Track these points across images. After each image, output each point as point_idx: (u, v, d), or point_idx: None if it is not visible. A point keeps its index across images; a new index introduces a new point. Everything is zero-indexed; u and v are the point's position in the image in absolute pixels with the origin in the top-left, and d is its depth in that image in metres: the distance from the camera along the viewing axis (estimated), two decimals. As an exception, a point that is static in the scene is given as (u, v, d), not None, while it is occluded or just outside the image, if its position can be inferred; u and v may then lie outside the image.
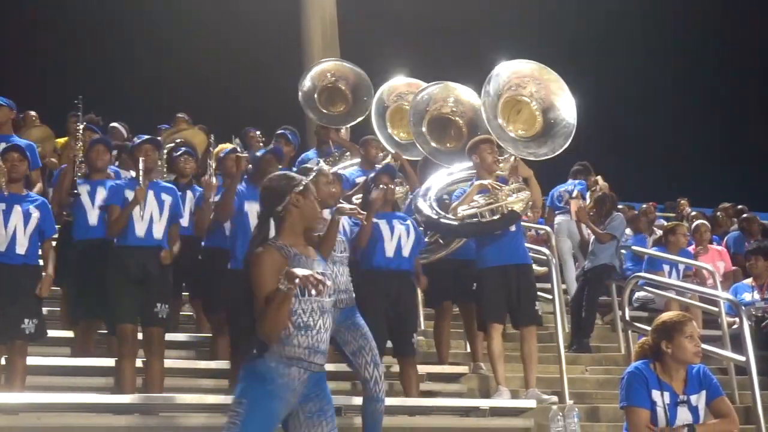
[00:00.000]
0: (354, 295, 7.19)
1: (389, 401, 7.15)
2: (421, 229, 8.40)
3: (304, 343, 4.81)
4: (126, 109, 15.92)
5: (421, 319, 10.01)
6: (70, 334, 8.51)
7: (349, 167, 10.31)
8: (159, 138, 8.89)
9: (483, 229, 8.08)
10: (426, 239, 8.59)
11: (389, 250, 7.93)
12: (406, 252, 7.97)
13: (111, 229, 7.73)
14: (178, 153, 8.99)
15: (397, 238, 7.94)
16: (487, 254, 8.20)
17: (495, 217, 8.02)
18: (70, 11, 19.09)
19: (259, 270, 4.77)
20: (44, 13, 19.27)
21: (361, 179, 9.37)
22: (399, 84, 10.31)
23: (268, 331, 4.71)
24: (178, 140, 10.27)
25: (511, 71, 8.40)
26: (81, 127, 8.95)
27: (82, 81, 17.99)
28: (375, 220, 7.84)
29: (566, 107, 8.32)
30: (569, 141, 8.34)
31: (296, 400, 4.82)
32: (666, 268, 11.28)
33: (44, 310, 7.93)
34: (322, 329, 4.88)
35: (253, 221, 7.12)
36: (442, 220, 8.18)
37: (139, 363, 7.58)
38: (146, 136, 8.15)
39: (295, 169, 10.21)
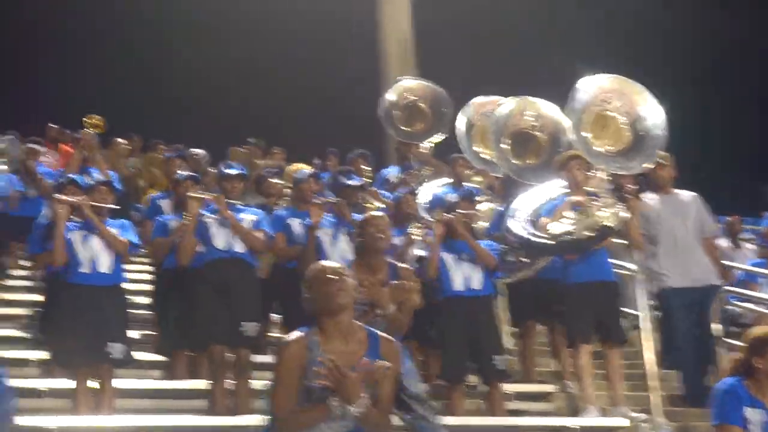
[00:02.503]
0: None
1: (477, 421, 7.11)
2: (505, 247, 8.37)
3: None
4: (204, 133, 16.10)
5: (507, 337, 9.93)
6: (160, 357, 8.61)
7: (440, 186, 10.29)
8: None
9: (577, 247, 7.97)
10: (510, 258, 8.53)
11: (458, 279, 7.97)
12: (476, 278, 8.00)
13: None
14: (266, 175, 9.06)
15: (467, 265, 7.98)
16: (573, 271, 8.11)
17: (588, 234, 7.88)
18: (137, 37, 19.36)
19: None
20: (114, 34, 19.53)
21: (450, 197, 9.33)
22: (484, 101, 10.25)
23: None
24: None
25: (595, 86, 8.27)
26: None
27: (158, 105, 18.29)
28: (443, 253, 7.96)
29: (654, 119, 8.14)
30: (659, 153, 8.20)
31: None
32: (763, 281, 10.91)
33: (136, 333, 8.03)
34: None
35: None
36: (535, 239, 8.10)
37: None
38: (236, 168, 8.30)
39: (376, 186, 10.34)
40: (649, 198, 8.84)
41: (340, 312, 4.46)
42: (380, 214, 6.71)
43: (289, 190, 9.30)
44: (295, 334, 4.48)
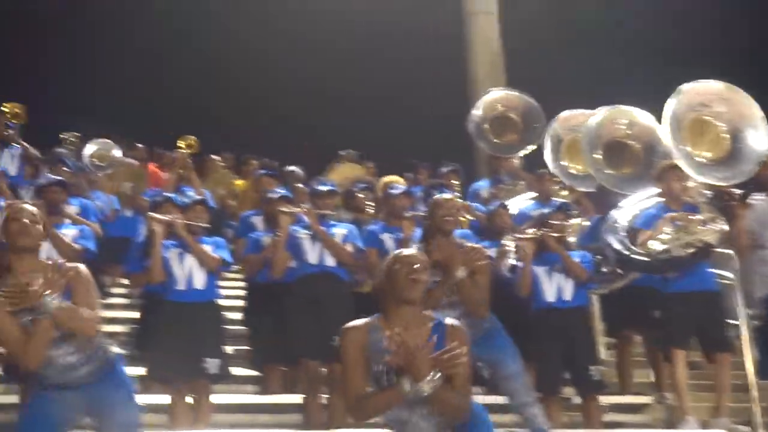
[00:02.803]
0: None
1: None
2: (598, 258, 8.26)
3: None
4: (297, 149, 16.20)
5: (602, 348, 9.78)
6: (255, 372, 8.68)
7: (525, 201, 10.20)
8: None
9: (676, 265, 7.78)
10: (604, 269, 8.41)
11: (550, 291, 7.91)
12: (568, 290, 7.91)
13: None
14: (356, 189, 9.08)
15: (559, 277, 7.92)
16: (673, 280, 7.94)
17: (688, 251, 7.69)
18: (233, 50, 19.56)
19: None
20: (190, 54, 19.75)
21: (535, 212, 9.25)
22: (571, 115, 10.13)
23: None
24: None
25: (696, 90, 8.06)
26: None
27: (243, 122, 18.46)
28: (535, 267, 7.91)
29: (758, 130, 7.89)
30: (758, 166, 7.95)
31: None
32: None
33: (230, 349, 8.10)
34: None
35: None
36: (634, 256, 7.94)
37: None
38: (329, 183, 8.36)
39: (468, 199, 10.29)
40: (757, 199, 8.61)
41: (410, 303, 4.50)
42: (449, 196, 6.68)
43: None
44: (357, 321, 4.54)
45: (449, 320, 4.61)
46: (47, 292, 4.57)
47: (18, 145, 10.92)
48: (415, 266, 4.53)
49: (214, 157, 13.67)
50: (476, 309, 6.43)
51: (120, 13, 19.32)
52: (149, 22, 19.50)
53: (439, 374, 4.22)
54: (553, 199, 9.69)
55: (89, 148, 11.30)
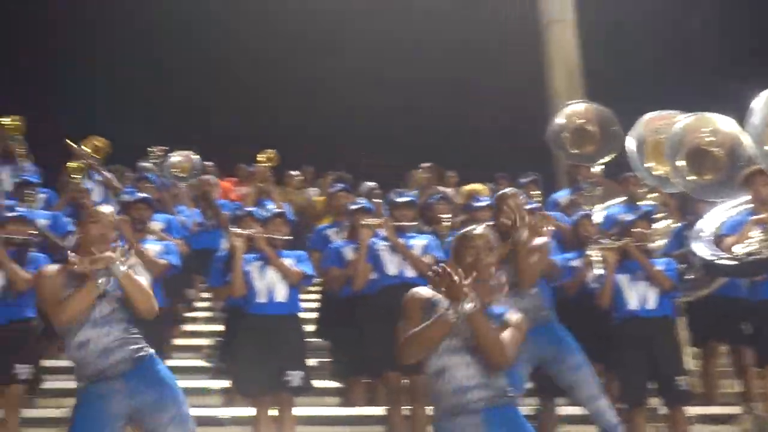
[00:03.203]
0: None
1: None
2: (683, 266, 8.14)
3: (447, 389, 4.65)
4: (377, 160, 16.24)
5: (688, 358, 9.62)
6: (337, 384, 8.70)
7: (612, 205, 10.11)
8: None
9: (763, 268, 7.61)
10: (689, 277, 8.28)
11: (633, 300, 7.80)
12: (652, 298, 7.80)
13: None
14: (432, 200, 9.07)
15: (643, 285, 7.81)
16: (762, 288, 7.78)
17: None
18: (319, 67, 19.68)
19: None
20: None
21: (622, 217, 9.15)
22: (655, 116, 9.99)
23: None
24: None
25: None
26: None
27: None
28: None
29: None
30: None
31: None
32: None
33: (312, 361, 8.13)
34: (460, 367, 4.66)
35: None
36: (719, 260, 7.80)
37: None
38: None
39: (548, 209, 10.21)
40: None
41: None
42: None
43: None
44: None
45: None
46: (120, 258, 5.03)
47: (101, 174, 11.12)
48: (482, 247, 4.70)
49: (292, 172, 13.77)
50: (525, 279, 6.45)
51: (196, 32, 19.58)
52: (225, 40, 19.73)
53: (477, 297, 4.42)
54: (640, 202, 9.58)
55: (172, 160, 11.44)
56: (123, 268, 5.03)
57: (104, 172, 11.10)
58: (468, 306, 4.40)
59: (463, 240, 4.80)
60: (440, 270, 4.44)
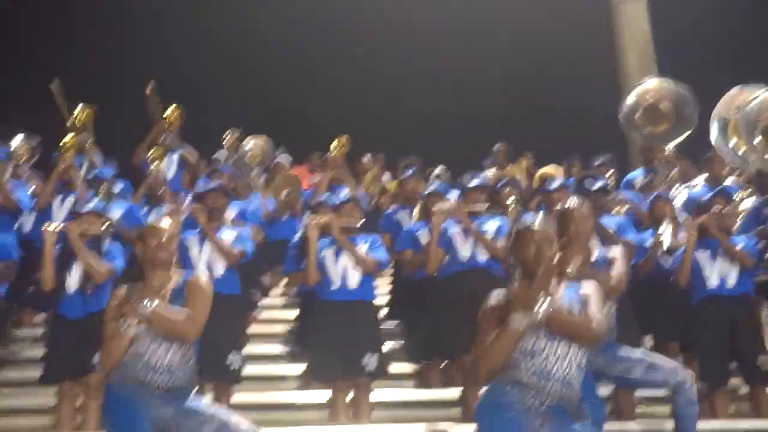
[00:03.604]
0: None
1: (741, 425, 6.81)
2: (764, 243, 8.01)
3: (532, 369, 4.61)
4: (447, 144, 16.20)
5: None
6: (412, 368, 8.72)
7: (695, 186, 9.96)
8: None
9: None
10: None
11: (714, 278, 7.67)
12: (732, 276, 7.65)
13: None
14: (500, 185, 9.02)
15: (723, 263, 7.67)
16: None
17: None
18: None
19: None
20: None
21: (703, 195, 9.01)
22: (737, 94, 9.79)
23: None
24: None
25: None
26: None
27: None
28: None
29: None
30: None
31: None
32: None
33: (387, 345, 8.16)
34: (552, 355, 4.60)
35: None
36: None
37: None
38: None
39: (622, 189, 10.10)
40: None
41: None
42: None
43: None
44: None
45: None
46: (145, 301, 5.04)
47: (177, 151, 11.26)
48: (543, 240, 4.67)
49: (364, 159, 13.80)
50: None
51: (272, 17, 19.65)
52: (294, 25, 19.79)
53: (548, 299, 4.41)
54: (724, 182, 9.46)
55: (247, 145, 11.53)
56: (148, 308, 5.05)
57: (183, 150, 11.23)
58: (542, 310, 4.40)
59: (523, 234, 4.75)
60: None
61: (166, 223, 5.53)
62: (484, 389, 4.70)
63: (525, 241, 4.71)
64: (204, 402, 5.32)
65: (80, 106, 10.40)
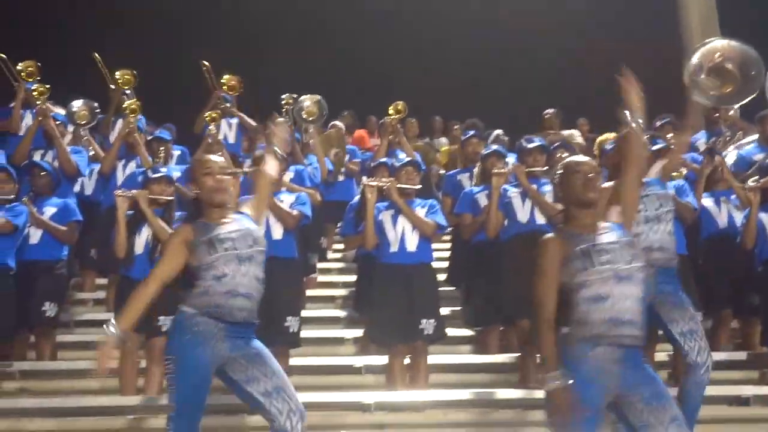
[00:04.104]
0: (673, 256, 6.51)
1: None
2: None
3: (603, 317, 4.53)
4: (509, 108, 16.08)
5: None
6: (470, 332, 8.69)
7: (746, 145, 9.78)
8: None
9: None
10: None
11: None
12: None
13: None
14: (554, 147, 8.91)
15: None
16: None
17: None
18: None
19: None
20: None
21: (759, 157, 8.85)
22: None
23: None
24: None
25: None
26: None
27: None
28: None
29: None
30: None
31: (617, 384, 4.51)
32: None
33: (445, 310, 8.12)
34: (622, 298, 4.54)
35: None
36: None
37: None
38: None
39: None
40: None
41: (589, 206, 4.72)
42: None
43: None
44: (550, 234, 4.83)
45: None
46: None
47: (235, 117, 11.31)
48: (589, 171, 4.76)
49: (411, 120, 13.72)
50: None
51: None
52: None
53: None
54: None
55: (301, 103, 11.50)
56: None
57: (239, 114, 11.26)
58: None
59: (569, 167, 4.81)
60: None
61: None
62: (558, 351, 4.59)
63: (572, 173, 4.76)
64: (267, 351, 5.26)
65: (121, 70, 10.47)
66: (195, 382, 5.04)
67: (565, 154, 8.62)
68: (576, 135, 12.92)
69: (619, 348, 4.52)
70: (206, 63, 11.17)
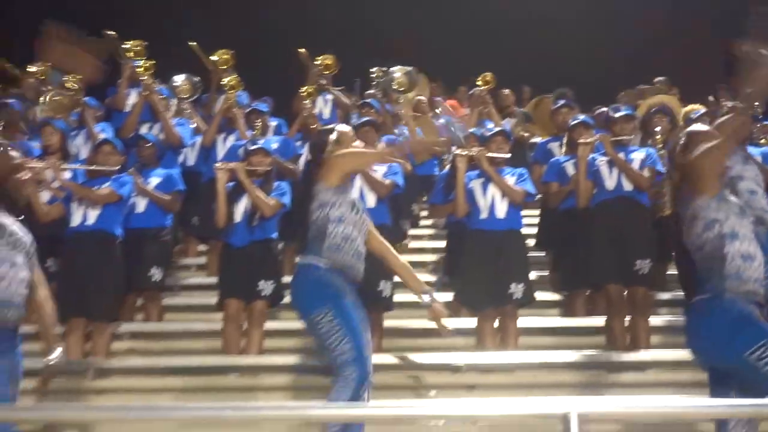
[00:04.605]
0: None
1: None
2: None
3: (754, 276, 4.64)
4: (600, 78, 15.95)
5: None
6: (558, 296, 8.79)
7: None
8: None
9: None
10: None
11: None
12: None
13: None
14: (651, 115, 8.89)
15: None
16: None
17: None
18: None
19: None
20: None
21: None
22: None
23: None
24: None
25: None
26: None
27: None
28: None
29: None
30: None
31: None
32: None
33: (533, 275, 8.23)
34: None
35: None
36: None
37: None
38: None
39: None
40: None
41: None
42: None
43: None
44: None
45: None
46: None
47: (331, 93, 11.53)
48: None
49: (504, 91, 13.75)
50: None
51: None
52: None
53: None
54: None
55: (392, 74, 11.64)
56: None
57: (334, 90, 11.47)
58: None
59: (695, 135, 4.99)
60: None
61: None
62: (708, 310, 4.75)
63: (694, 143, 4.88)
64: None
65: (219, 52, 10.72)
66: (358, 319, 5.52)
67: (665, 119, 8.70)
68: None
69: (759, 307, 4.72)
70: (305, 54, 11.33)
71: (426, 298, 5.74)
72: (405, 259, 9.82)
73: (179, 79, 10.64)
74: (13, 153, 4.88)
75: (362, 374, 5.41)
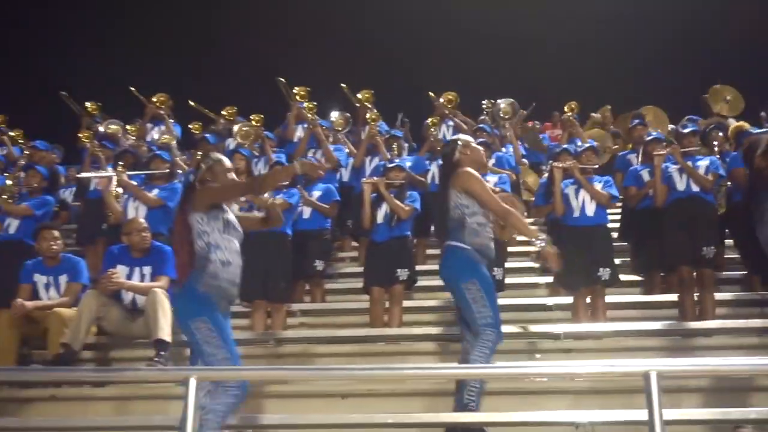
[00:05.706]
0: None
1: None
2: None
3: None
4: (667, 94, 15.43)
5: None
6: (638, 278, 8.60)
7: None
8: None
9: None
10: None
11: None
12: None
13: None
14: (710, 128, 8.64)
15: None
16: None
17: None
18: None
19: None
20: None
21: None
22: None
23: None
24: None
25: None
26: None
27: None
28: None
29: None
30: None
31: None
32: None
33: (618, 260, 8.08)
34: None
35: None
36: None
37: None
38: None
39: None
40: None
41: None
42: None
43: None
44: None
45: None
46: None
47: (452, 120, 11.45)
48: None
49: (594, 114, 13.52)
50: None
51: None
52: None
53: None
54: None
55: (498, 105, 11.56)
56: None
57: (457, 119, 11.46)
58: None
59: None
60: None
61: None
62: None
63: None
64: None
65: (362, 92, 10.79)
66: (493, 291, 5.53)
67: (720, 133, 8.47)
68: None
69: None
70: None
71: (539, 242, 5.58)
72: (514, 249, 9.91)
73: (335, 115, 10.87)
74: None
75: (498, 336, 5.39)
